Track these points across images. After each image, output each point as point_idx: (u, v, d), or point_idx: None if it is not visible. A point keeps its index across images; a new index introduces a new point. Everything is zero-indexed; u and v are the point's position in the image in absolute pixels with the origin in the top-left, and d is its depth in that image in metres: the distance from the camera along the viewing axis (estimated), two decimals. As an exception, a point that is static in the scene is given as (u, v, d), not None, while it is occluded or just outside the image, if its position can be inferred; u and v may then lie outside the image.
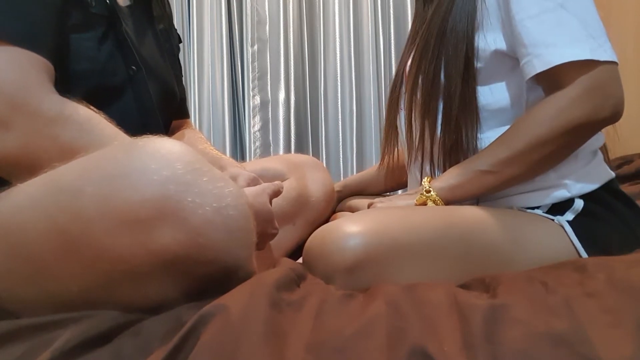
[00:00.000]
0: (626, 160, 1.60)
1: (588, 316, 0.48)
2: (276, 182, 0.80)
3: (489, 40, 0.81)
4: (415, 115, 0.90)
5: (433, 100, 0.85)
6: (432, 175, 0.89)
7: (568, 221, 0.80)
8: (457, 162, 0.84)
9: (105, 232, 0.52)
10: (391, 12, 2.16)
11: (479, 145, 0.84)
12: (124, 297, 0.55)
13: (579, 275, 0.60)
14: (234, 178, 0.81)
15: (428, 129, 0.87)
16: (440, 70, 0.84)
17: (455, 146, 0.84)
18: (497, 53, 0.81)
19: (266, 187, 0.78)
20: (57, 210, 0.54)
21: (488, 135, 0.83)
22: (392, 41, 2.17)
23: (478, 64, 0.82)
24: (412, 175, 0.98)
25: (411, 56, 0.92)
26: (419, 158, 0.91)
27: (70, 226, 0.53)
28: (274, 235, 0.79)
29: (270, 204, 0.77)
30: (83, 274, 0.54)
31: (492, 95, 0.83)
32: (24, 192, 0.59)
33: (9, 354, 0.48)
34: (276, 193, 0.79)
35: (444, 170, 0.85)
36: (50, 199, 0.56)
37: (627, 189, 1.26)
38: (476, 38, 0.82)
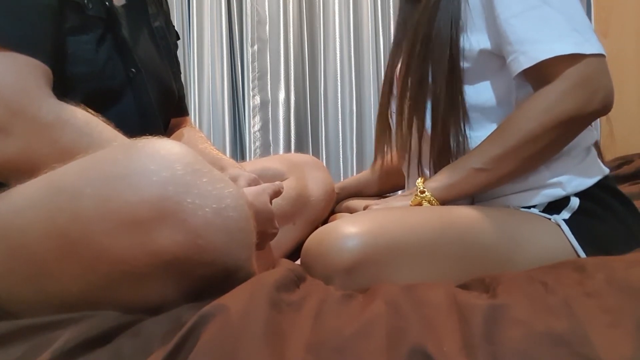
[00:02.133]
0: (626, 160, 1.60)
1: (588, 316, 0.48)
2: (276, 183, 0.80)
3: (473, 41, 0.82)
4: (405, 117, 0.90)
5: (421, 103, 0.86)
6: (424, 176, 0.89)
7: (564, 220, 0.81)
8: (446, 162, 0.84)
9: (105, 233, 0.52)
10: (391, 12, 2.16)
11: (469, 145, 0.84)
12: (124, 297, 0.55)
13: (579, 275, 0.60)
14: (235, 179, 0.81)
15: (417, 131, 0.88)
16: (427, 73, 0.85)
17: (444, 147, 0.85)
18: (482, 53, 0.82)
19: (267, 187, 0.78)
20: (56, 211, 0.54)
21: (479, 134, 0.84)
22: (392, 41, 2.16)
23: (465, 64, 0.83)
24: (407, 175, 0.98)
25: (400, 61, 0.93)
26: (412, 160, 0.92)
27: (70, 227, 0.53)
28: (274, 235, 0.79)
29: (271, 203, 0.77)
30: (83, 274, 0.54)
31: (480, 94, 0.84)
32: (23, 193, 0.59)
33: (9, 354, 0.48)
34: (276, 193, 0.79)
35: (435, 172, 0.86)
36: (49, 200, 0.56)
37: (626, 189, 1.26)
38: (461, 39, 0.82)
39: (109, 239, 0.52)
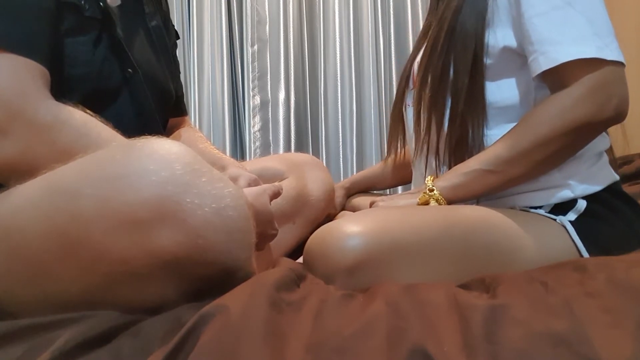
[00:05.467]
0: (626, 160, 1.59)
1: (588, 316, 0.48)
2: (276, 184, 0.80)
3: (499, 36, 0.81)
4: (423, 110, 0.89)
5: (441, 95, 0.85)
6: (438, 171, 0.88)
7: (570, 221, 0.80)
8: (462, 158, 0.84)
9: (104, 234, 0.52)
10: (391, 12, 2.16)
11: (485, 142, 0.84)
12: (124, 298, 0.55)
13: (579, 275, 0.60)
14: (235, 179, 0.81)
15: (435, 123, 0.87)
16: (449, 65, 0.84)
17: (461, 142, 0.84)
18: (506, 50, 0.81)
19: (267, 188, 0.78)
20: (55, 212, 0.54)
21: (495, 133, 0.83)
22: (392, 41, 2.16)
23: (488, 60, 0.82)
24: (418, 170, 0.97)
25: (422, 51, 0.92)
26: (425, 153, 0.91)
27: (69, 227, 0.53)
28: (274, 236, 0.79)
29: (270, 204, 0.77)
30: (82, 275, 0.54)
31: (500, 92, 0.83)
32: (22, 193, 0.59)
33: (9, 354, 0.48)
34: (276, 194, 0.79)
35: (449, 167, 0.85)
36: (48, 200, 0.56)
37: (627, 189, 1.25)
38: (486, 35, 0.82)
39: (108, 239, 0.52)
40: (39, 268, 0.56)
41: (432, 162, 0.90)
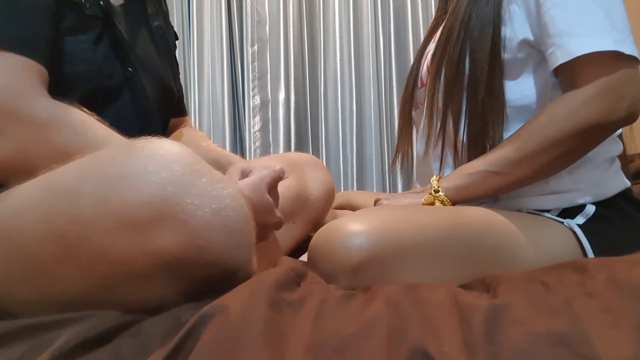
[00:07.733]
0: (627, 160, 1.59)
1: (588, 316, 0.48)
2: (275, 169, 0.78)
3: (517, 28, 0.80)
4: (437, 103, 0.87)
5: (457, 85, 0.83)
6: (456, 165, 0.86)
7: (578, 225, 0.79)
8: (483, 151, 0.81)
9: (104, 235, 0.52)
10: (391, 12, 2.16)
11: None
12: (124, 298, 0.55)
13: (580, 275, 0.60)
14: (245, 172, 0.80)
15: (451, 117, 0.84)
16: (465, 54, 0.82)
17: (481, 137, 0.82)
18: (523, 43, 0.80)
19: (264, 175, 0.76)
20: (55, 212, 0.54)
21: (511, 132, 0.81)
22: (392, 41, 2.16)
23: (505, 55, 0.80)
24: (427, 167, 0.95)
25: (429, 49, 0.90)
26: (439, 149, 0.88)
27: (69, 228, 0.53)
28: (278, 224, 0.77)
29: (275, 190, 0.75)
30: (82, 276, 0.54)
31: (520, 90, 0.81)
32: (22, 193, 0.59)
33: (9, 354, 0.48)
34: (276, 180, 0.77)
35: (468, 159, 0.83)
36: (48, 201, 0.56)
37: (627, 188, 1.25)
38: (503, 27, 0.80)
39: (108, 240, 0.52)
40: (39, 269, 0.56)
41: (449, 157, 0.87)
